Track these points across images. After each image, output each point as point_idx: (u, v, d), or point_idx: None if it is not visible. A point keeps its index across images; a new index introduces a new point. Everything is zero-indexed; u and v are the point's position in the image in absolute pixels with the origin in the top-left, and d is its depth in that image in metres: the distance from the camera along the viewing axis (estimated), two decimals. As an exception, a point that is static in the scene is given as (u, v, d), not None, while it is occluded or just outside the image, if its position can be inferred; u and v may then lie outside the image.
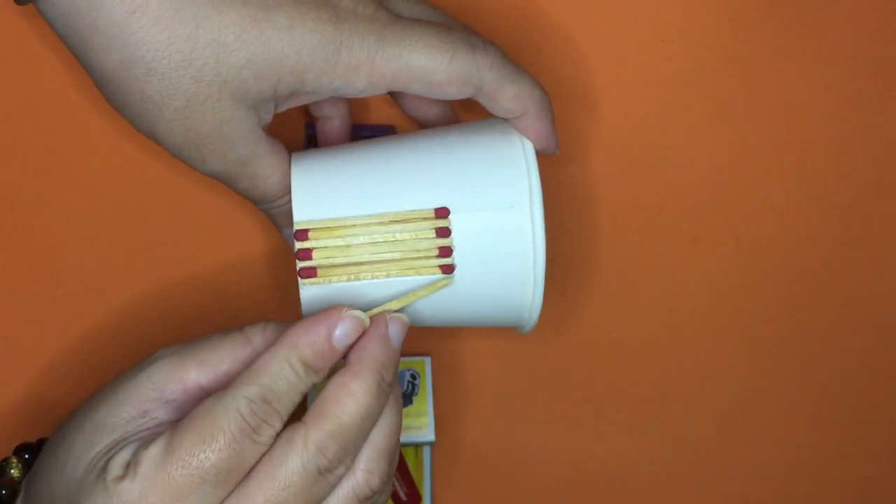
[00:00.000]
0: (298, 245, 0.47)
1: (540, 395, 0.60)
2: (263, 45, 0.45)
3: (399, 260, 0.48)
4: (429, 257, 0.48)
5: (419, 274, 0.48)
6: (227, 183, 0.49)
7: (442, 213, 0.48)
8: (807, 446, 0.61)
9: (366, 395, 0.44)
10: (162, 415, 0.44)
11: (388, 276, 0.47)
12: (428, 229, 0.47)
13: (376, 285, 0.48)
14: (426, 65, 0.47)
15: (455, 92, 0.48)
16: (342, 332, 0.45)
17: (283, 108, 0.49)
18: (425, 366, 0.58)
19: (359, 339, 0.45)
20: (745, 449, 0.60)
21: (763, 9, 0.60)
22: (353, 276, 0.47)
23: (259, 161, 0.48)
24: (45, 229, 0.57)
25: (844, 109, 0.60)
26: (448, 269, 0.48)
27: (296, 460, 0.43)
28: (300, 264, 0.47)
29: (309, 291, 0.48)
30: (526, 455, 0.60)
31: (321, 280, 0.47)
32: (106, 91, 0.47)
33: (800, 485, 0.61)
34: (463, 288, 0.48)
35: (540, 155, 0.50)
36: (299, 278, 0.47)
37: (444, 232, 0.48)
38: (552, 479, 0.60)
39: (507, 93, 0.49)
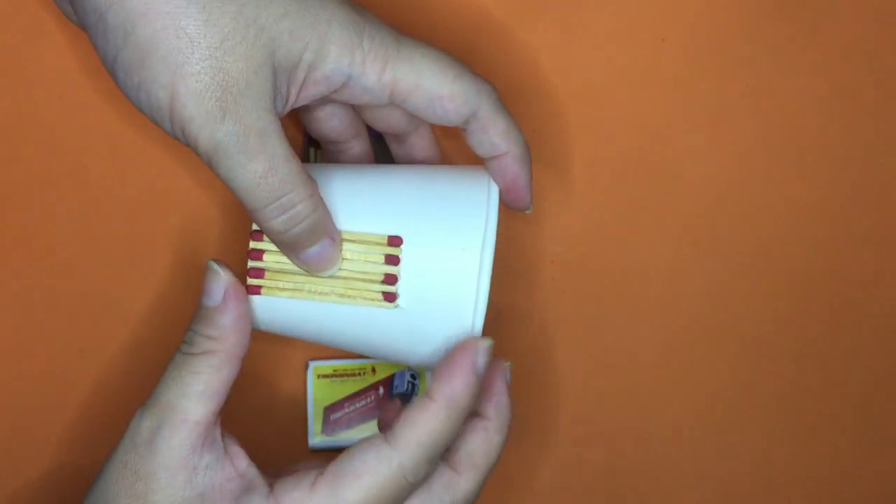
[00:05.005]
0: (252, 245, 0.49)
1: (539, 394, 0.60)
2: (301, 5, 0.47)
3: (344, 278, 0.49)
4: (374, 281, 0.49)
5: (361, 296, 0.49)
6: (220, 157, 0.47)
7: (395, 241, 0.49)
8: (807, 446, 0.61)
9: (449, 423, 0.48)
10: (211, 461, 0.48)
11: (332, 290, 0.49)
12: (377, 254, 0.49)
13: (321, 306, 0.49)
14: (434, 75, 0.49)
15: (454, 109, 0.50)
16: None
17: (294, 97, 0.49)
18: (425, 366, 0.58)
19: (449, 365, 0.48)
20: (745, 449, 0.60)
21: (763, 9, 0.60)
22: (297, 285, 0.49)
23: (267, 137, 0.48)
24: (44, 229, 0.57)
25: (844, 109, 0.60)
26: (391, 298, 0.49)
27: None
28: (250, 263, 0.49)
29: (258, 301, 0.49)
30: (525, 454, 0.60)
31: (267, 282, 0.49)
32: (132, 34, 0.46)
33: (800, 485, 0.61)
34: (403, 321, 0.49)
35: (514, 210, 0.52)
36: (248, 278, 0.49)
37: (392, 259, 0.48)
38: (552, 478, 0.60)
39: (498, 125, 0.50)
